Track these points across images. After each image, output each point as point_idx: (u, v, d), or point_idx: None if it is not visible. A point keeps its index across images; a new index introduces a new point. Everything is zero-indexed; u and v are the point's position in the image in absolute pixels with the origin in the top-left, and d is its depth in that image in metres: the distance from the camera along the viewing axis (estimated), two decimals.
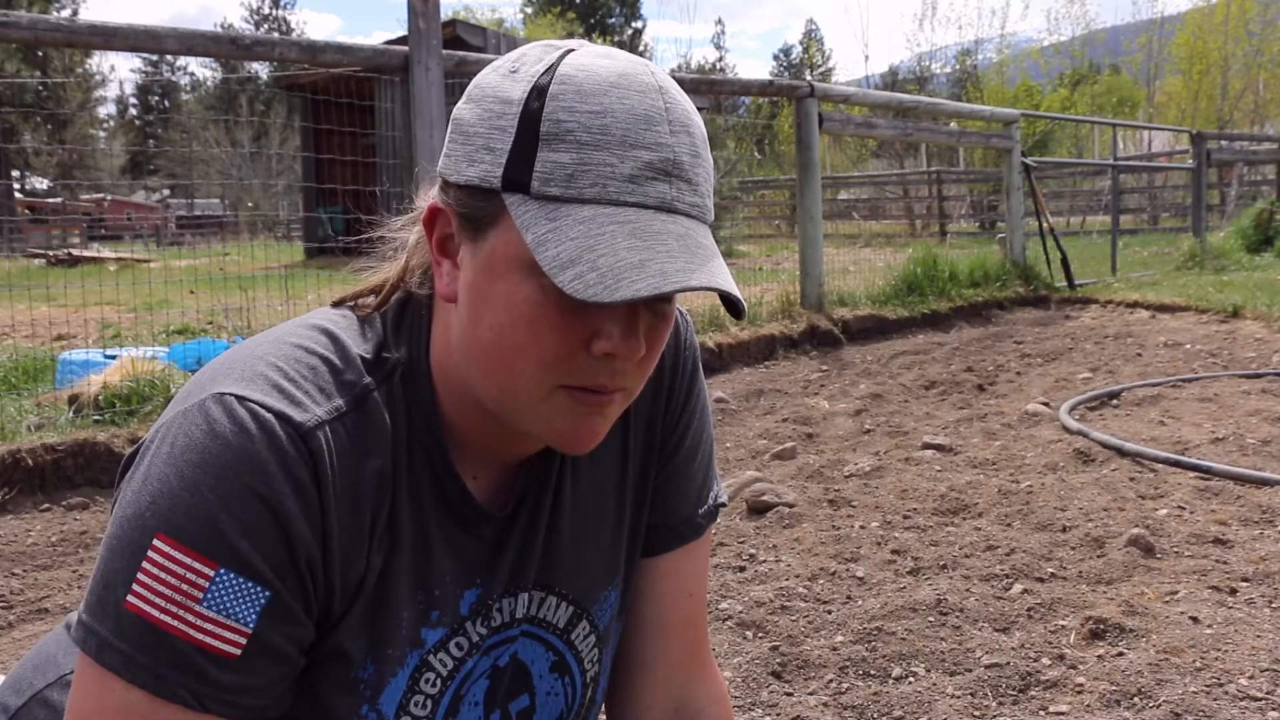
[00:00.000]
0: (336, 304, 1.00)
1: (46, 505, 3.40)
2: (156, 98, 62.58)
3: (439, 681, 0.97)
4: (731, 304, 0.88)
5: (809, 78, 37.96)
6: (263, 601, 0.82)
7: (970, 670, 2.02)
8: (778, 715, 1.91)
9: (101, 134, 56.71)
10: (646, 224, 0.82)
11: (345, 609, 0.89)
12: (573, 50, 0.87)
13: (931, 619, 2.26)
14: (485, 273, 0.86)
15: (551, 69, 0.85)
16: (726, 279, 0.84)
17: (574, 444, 0.90)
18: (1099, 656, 2.06)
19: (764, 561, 2.69)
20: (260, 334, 0.94)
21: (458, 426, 0.95)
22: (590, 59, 0.86)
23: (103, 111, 56.11)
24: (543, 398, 0.87)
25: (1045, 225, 9.42)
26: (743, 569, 2.65)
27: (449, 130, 0.91)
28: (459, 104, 0.91)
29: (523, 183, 0.83)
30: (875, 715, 1.88)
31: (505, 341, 0.86)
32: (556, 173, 0.82)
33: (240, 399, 0.84)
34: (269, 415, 0.83)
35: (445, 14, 17.33)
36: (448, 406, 0.94)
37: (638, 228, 0.82)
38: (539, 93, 0.84)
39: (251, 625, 0.82)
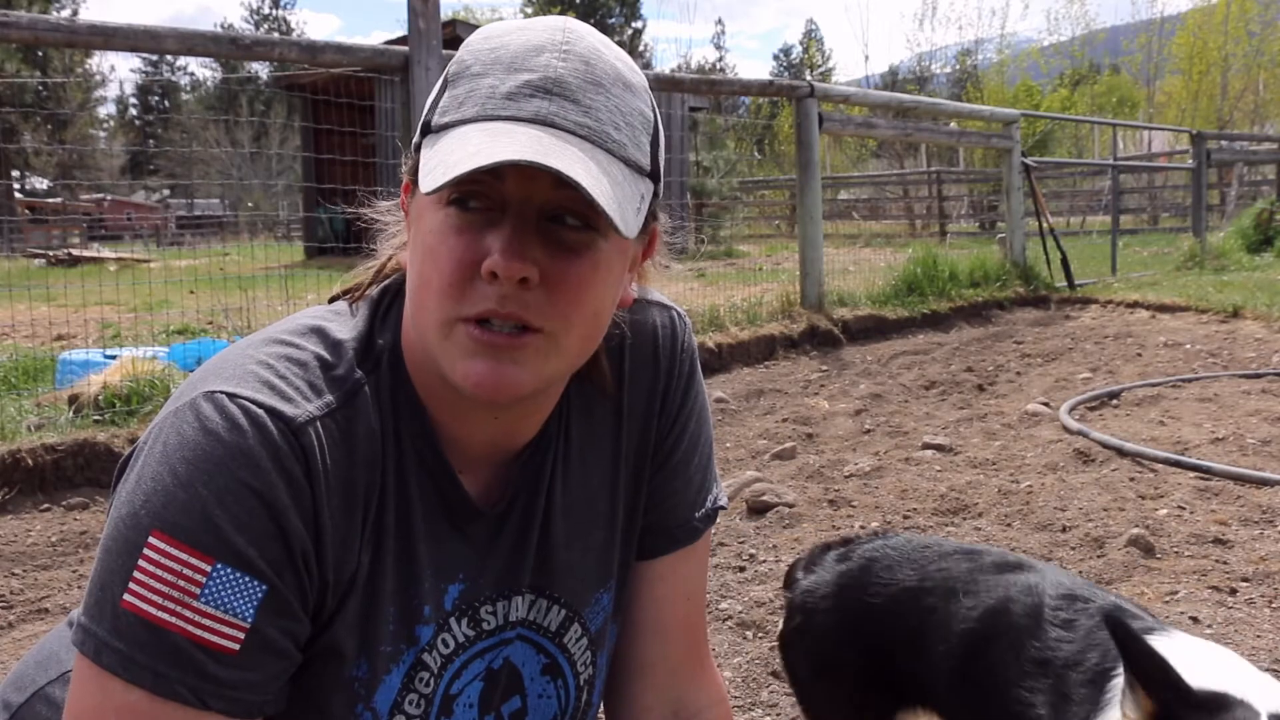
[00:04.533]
0: (332, 299, 1.01)
1: (46, 505, 3.39)
2: (156, 98, 62.58)
3: (431, 680, 0.97)
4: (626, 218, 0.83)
5: (809, 78, 37.91)
6: (260, 596, 0.82)
7: None
8: (778, 715, 1.91)
9: (101, 134, 56.71)
10: (510, 129, 0.82)
11: (339, 605, 0.89)
12: None
13: None
14: (415, 222, 0.89)
15: None
16: (578, 171, 0.79)
17: (483, 388, 0.85)
18: None
19: (764, 561, 2.69)
20: (252, 334, 0.95)
21: (436, 411, 0.94)
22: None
23: (103, 111, 56.15)
24: (447, 334, 0.85)
25: (1045, 225, 9.42)
26: (743, 569, 2.65)
27: None
28: None
29: (429, 123, 0.87)
30: None
31: (419, 279, 0.87)
32: (450, 104, 0.86)
33: (231, 396, 0.84)
34: (260, 411, 0.83)
35: (445, 14, 17.32)
36: (419, 385, 0.94)
37: (497, 131, 0.82)
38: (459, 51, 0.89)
39: (249, 620, 0.81)
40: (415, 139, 0.90)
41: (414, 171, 0.91)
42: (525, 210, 0.84)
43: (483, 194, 0.83)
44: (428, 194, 0.81)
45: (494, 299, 0.83)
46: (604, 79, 0.87)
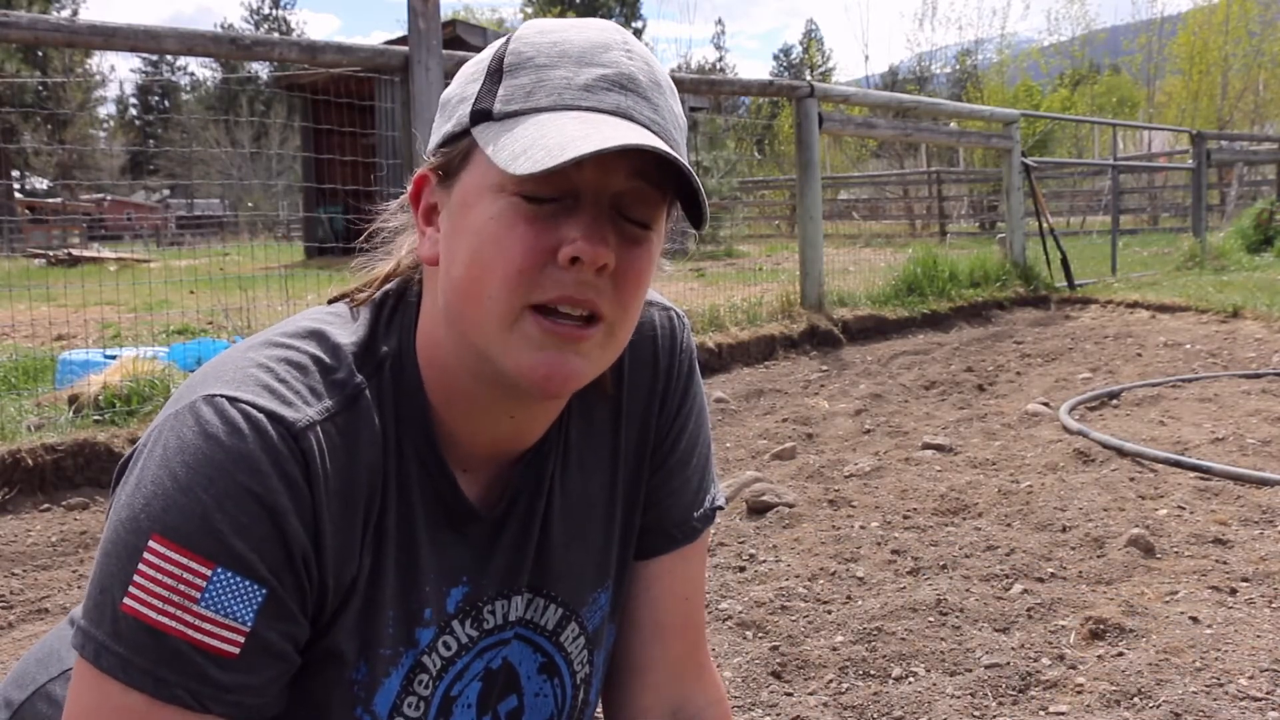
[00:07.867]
0: (333, 301, 1.00)
1: (46, 505, 3.39)
2: (156, 98, 62.59)
3: (430, 683, 0.97)
4: (693, 206, 0.86)
5: (809, 78, 37.94)
6: (259, 600, 0.82)
7: (970, 670, 2.02)
8: (778, 715, 1.91)
9: (101, 134, 56.72)
10: (600, 119, 0.83)
11: (339, 608, 0.89)
12: None
13: (931, 619, 2.26)
14: (459, 210, 0.88)
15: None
16: (681, 157, 0.83)
17: (547, 383, 0.86)
18: (1099, 656, 2.06)
19: (764, 561, 2.69)
20: (251, 336, 0.95)
21: (445, 415, 0.94)
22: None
23: (103, 111, 56.18)
24: (512, 324, 0.85)
25: (1045, 225, 9.42)
26: (743, 569, 2.65)
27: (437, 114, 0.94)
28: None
29: (488, 111, 0.86)
30: (875, 715, 1.88)
31: (476, 268, 0.85)
32: (516, 93, 0.85)
33: (231, 400, 0.84)
34: (260, 415, 0.83)
35: (445, 14, 17.33)
36: (434, 391, 0.93)
37: (590, 120, 0.82)
38: (504, 44, 0.89)
39: (249, 624, 0.82)
40: (453, 128, 0.88)
41: (443, 165, 0.90)
42: (601, 199, 0.85)
43: (555, 183, 0.83)
44: (522, 176, 0.79)
45: (571, 285, 0.84)
46: (661, 81, 0.89)
